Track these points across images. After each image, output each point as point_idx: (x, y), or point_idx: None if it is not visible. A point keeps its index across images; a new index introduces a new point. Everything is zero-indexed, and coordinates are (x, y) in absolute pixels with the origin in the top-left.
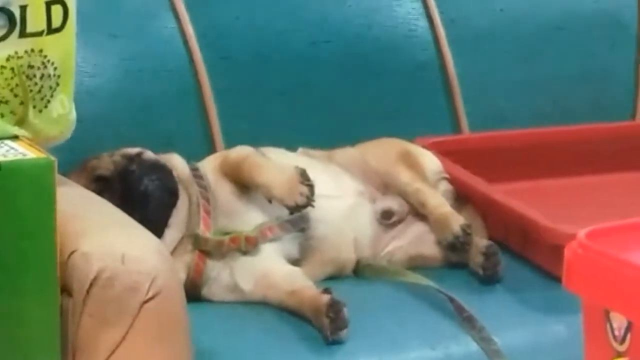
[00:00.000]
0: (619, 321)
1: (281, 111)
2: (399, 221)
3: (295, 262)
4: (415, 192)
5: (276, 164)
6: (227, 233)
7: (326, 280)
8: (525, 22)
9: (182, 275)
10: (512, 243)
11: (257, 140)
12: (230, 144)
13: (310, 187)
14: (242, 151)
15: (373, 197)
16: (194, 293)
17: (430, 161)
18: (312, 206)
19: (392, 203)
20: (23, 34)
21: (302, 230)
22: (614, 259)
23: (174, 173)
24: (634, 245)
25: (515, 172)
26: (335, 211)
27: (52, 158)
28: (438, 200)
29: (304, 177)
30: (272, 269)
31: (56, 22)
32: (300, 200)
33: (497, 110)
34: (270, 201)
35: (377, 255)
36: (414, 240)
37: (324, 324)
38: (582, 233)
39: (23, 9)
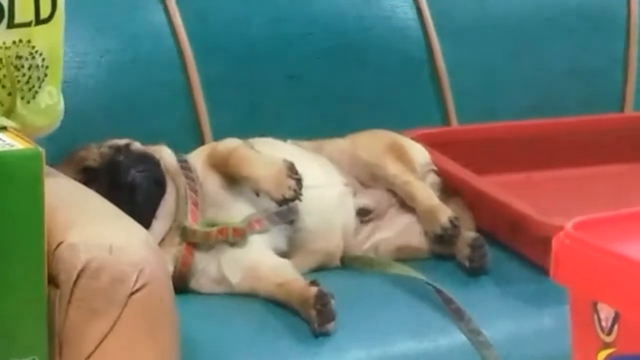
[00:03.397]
0: (606, 312)
1: (270, 103)
2: (377, 217)
3: (283, 254)
4: (403, 184)
5: (264, 157)
6: (214, 225)
7: (314, 272)
8: (514, 15)
9: (170, 267)
10: (501, 235)
11: (245, 132)
12: (218, 136)
13: (298, 180)
14: (230, 143)
15: (355, 190)
16: (181, 285)
17: (419, 153)
18: (300, 200)
19: (370, 201)
20: (11, 25)
21: (291, 222)
22: (601, 250)
23: (162, 164)
24: (622, 236)
25: (503, 164)
26: (324, 201)
27: (40, 149)
28: (426, 193)
29: (291, 171)
30: (260, 261)
31: (44, 12)
32: (288, 193)
33: (486, 103)
34: (257, 194)
35: (363, 246)
36: (401, 231)
37: (311, 316)
38: (569, 224)
39: None
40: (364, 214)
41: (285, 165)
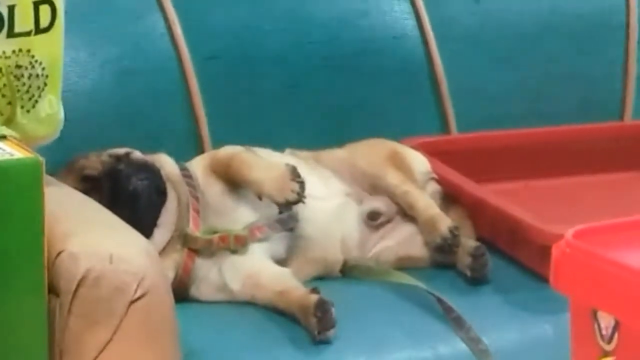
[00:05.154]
0: (606, 320)
1: (269, 111)
2: (387, 221)
3: (282, 262)
4: (403, 194)
5: (266, 161)
6: (216, 232)
7: (314, 280)
8: (513, 23)
9: (171, 274)
10: (501, 243)
11: (244, 141)
12: (217, 144)
13: (301, 183)
14: (231, 149)
15: (360, 198)
16: (182, 292)
17: (419, 162)
18: (303, 202)
19: (380, 204)
20: (11, 34)
21: (291, 229)
22: (601, 259)
23: (162, 173)
24: (622, 244)
25: (503, 172)
26: (323, 212)
27: (40, 158)
28: (426, 202)
29: (294, 174)
30: (260, 268)
31: (44, 22)
32: (291, 196)
33: (485, 111)
34: (260, 198)
35: (364, 256)
36: (402, 241)
37: (311, 323)
38: (569, 232)
39: (11, 9)
40: (374, 218)
41: (287, 169)
